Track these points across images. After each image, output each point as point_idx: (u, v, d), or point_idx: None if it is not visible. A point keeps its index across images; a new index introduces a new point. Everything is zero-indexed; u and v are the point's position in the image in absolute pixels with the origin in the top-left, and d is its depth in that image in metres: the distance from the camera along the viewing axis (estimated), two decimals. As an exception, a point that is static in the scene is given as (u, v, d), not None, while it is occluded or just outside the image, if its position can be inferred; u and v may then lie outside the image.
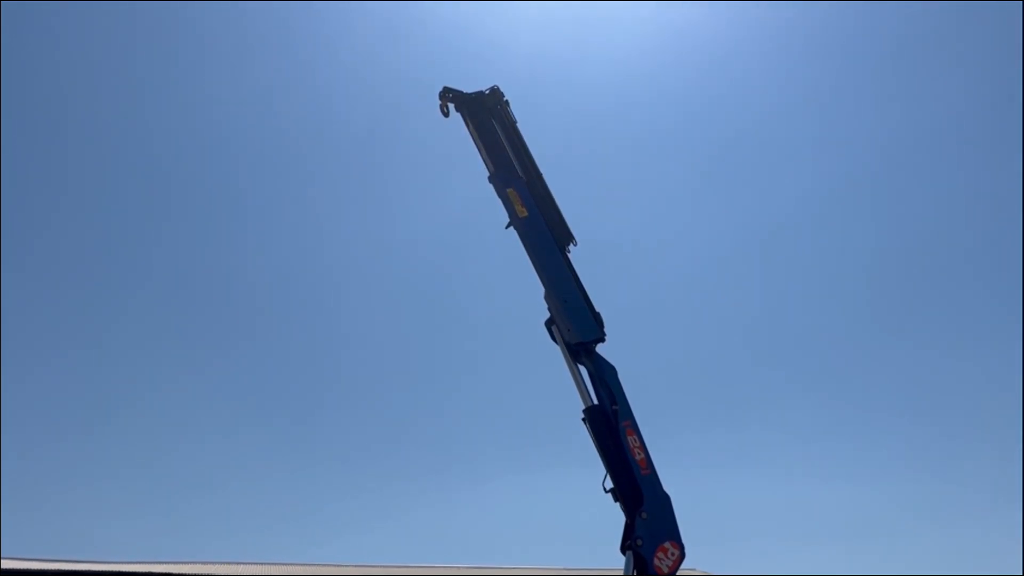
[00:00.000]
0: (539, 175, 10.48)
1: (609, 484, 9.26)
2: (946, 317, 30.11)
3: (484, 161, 10.73)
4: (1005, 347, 26.34)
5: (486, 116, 10.62)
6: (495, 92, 10.64)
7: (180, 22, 30.62)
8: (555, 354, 9.97)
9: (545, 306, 10.08)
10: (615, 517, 9.22)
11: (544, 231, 10.23)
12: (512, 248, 10.34)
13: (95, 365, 28.89)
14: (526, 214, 10.23)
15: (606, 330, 9.83)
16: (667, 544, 8.98)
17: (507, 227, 10.39)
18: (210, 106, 31.86)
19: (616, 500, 9.23)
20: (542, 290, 10.08)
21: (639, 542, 8.92)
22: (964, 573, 20.87)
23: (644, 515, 8.99)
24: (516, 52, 31.50)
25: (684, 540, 9.07)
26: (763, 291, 31.11)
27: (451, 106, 10.75)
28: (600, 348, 9.82)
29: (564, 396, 9.89)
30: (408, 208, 32.52)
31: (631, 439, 9.29)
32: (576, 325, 9.75)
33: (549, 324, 10.03)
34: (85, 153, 31.02)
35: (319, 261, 32.53)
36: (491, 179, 10.59)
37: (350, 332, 30.98)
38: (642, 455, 9.26)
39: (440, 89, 10.75)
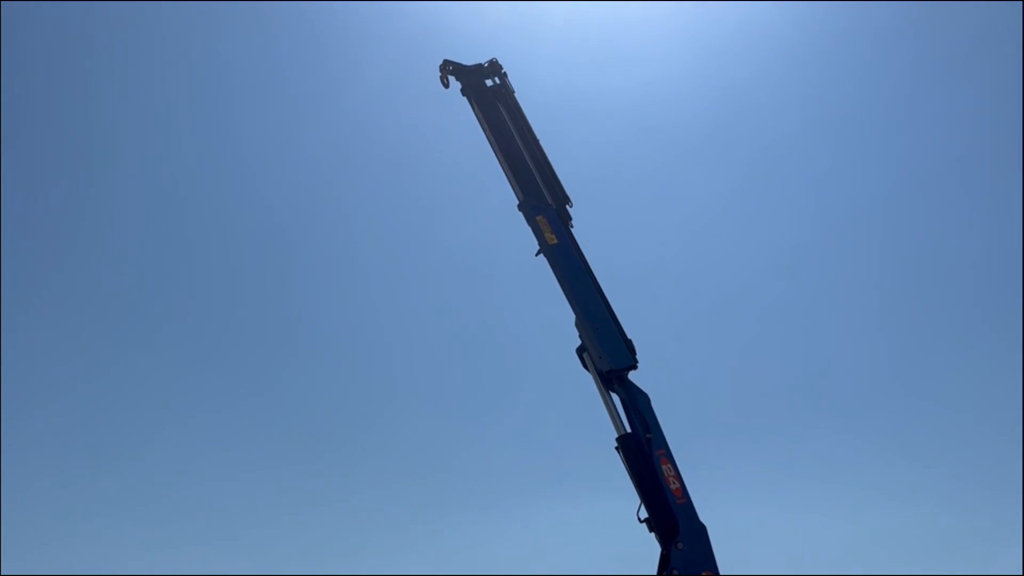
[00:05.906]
0: (536, 140, 11.00)
1: (644, 514, 9.11)
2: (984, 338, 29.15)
3: (512, 189, 10.80)
4: (1010, 369, 25.60)
5: (485, 87, 11.27)
6: (494, 64, 11.32)
7: (200, 29, 30.52)
8: (587, 382, 9.89)
9: (576, 333, 10.01)
10: (650, 547, 9.08)
11: (574, 258, 10.26)
12: (543, 275, 10.35)
13: (115, 388, 28.84)
14: (556, 241, 10.28)
15: (638, 357, 9.74)
16: (704, 575, 8.83)
17: (537, 255, 10.41)
18: (232, 117, 31.69)
19: (651, 530, 9.07)
20: (573, 317, 10.03)
21: (675, 573, 8.77)
22: (964, 573, 20.34)
23: (680, 545, 8.85)
24: (540, 57, 31.26)
25: (721, 570, 8.91)
26: (796, 315, 30.52)
27: (451, 78, 11.41)
28: (633, 375, 9.71)
29: (597, 425, 9.83)
30: (434, 233, 32.35)
31: (666, 468, 9.17)
32: (608, 352, 9.69)
33: (580, 352, 9.97)
34: (95, 169, 30.79)
35: (346, 284, 32.48)
36: (520, 207, 10.65)
37: (366, 361, 30.79)
38: (677, 484, 9.13)
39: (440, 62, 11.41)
